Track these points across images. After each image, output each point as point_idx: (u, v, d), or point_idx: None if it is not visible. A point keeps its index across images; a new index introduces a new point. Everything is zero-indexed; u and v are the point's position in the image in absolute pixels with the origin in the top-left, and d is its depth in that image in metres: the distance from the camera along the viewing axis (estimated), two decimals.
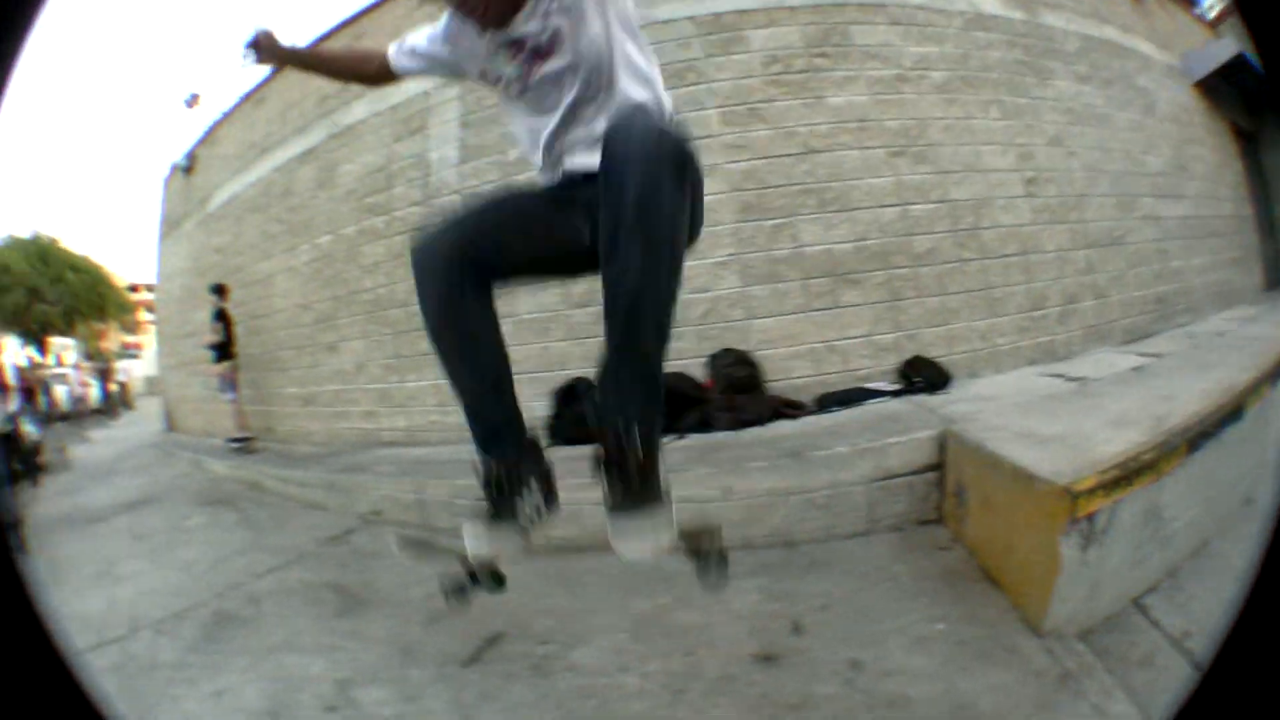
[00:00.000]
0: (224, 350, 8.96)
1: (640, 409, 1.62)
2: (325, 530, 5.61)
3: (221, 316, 8.75)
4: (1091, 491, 2.69)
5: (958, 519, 3.68)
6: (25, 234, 34.64)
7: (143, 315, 48.99)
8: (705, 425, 5.15)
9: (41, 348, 35.01)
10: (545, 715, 2.56)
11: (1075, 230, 6.29)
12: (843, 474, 3.92)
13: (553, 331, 6.32)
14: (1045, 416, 3.82)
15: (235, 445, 8.78)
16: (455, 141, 6.97)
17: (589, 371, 5.67)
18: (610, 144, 1.48)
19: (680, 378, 5.48)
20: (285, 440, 9.13)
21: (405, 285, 6.64)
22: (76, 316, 35.96)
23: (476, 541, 1.83)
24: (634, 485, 1.52)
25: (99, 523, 7.13)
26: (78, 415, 22.25)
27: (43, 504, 8.32)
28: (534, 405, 6.06)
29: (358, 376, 7.99)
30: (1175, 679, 2.32)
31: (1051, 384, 4.97)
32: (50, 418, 20.99)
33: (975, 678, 2.42)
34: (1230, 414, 3.34)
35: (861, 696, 2.38)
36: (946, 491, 3.89)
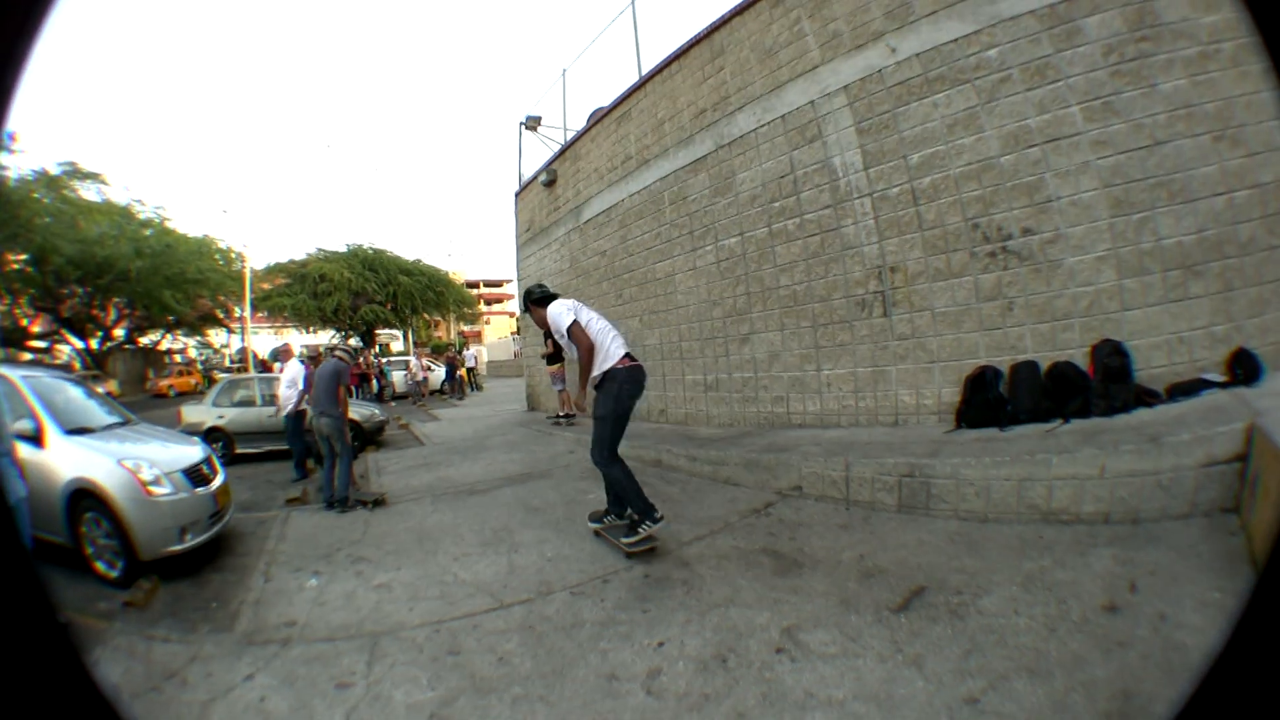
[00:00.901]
0: (553, 358, 14.68)
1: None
2: (745, 504, 7.37)
3: (548, 335, 12.52)
4: None
5: (1245, 506, 4.84)
6: (344, 248, 44.89)
7: (481, 307, 60.94)
8: (1084, 411, 6.65)
9: (368, 339, 45.07)
10: (958, 646, 3.91)
11: None
12: (1184, 459, 5.25)
13: (965, 324, 7.82)
14: None
15: (559, 420, 15.04)
16: (855, 147, 8.71)
17: (998, 360, 7.50)
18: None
19: (1069, 365, 6.95)
20: (681, 423, 11.75)
21: (823, 283, 9.00)
22: (409, 312, 46.13)
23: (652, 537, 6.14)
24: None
25: (480, 494, 8.99)
26: (418, 396, 29.27)
27: (399, 477, 10.61)
28: (944, 391, 7.95)
29: (771, 365, 10.05)
30: None
31: None
32: (383, 399, 27.97)
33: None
34: None
35: (1159, 640, 3.74)
36: (1245, 480, 4.95)
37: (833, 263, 9.13)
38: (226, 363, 46.41)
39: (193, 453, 7.49)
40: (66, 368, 30.81)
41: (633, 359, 6.22)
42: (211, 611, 5.60)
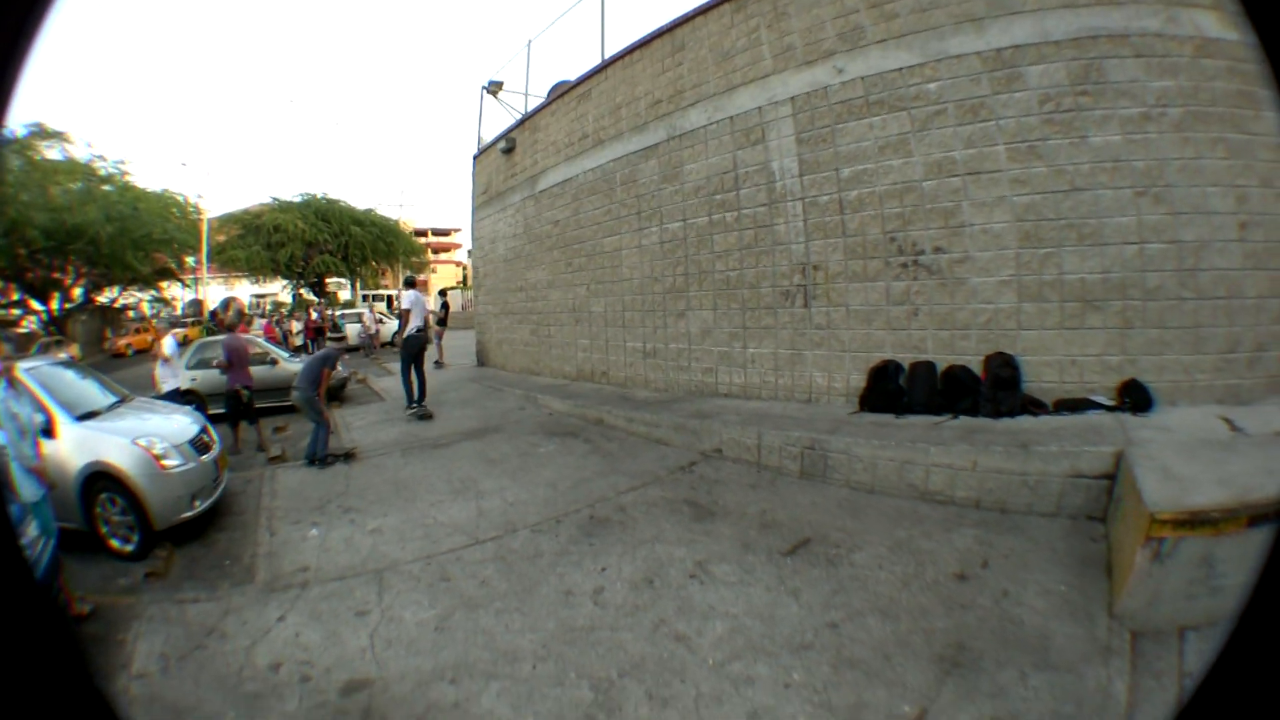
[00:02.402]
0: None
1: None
2: (673, 462, 8.24)
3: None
4: (1164, 522, 4.15)
5: (1110, 520, 5.40)
6: (297, 198, 43.51)
7: (429, 256, 60.11)
8: (972, 411, 7.29)
9: (319, 289, 44.40)
10: (828, 585, 4.97)
11: (1275, 278, 6.74)
12: (1050, 467, 5.91)
13: (875, 322, 8.43)
14: (1187, 458, 5.08)
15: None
16: (794, 155, 9.17)
17: (902, 356, 8.10)
18: None
19: (964, 370, 7.57)
20: (621, 385, 12.27)
21: (753, 272, 9.56)
22: (358, 262, 45.41)
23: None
24: None
25: (444, 448, 9.74)
26: (370, 349, 28.69)
27: (367, 432, 11.24)
28: (853, 378, 8.60)
29: (703, 339, 10.69)
30: (1163, 699, 3.43)
31: (1217, 428, 5.93)
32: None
33: (1059, 622, 4.23)
34: None
35: (998, 611, 4.44)
36: (1112, 497, 5.52)
37: (763, 255, 9.69)
38: (179, 314, 44.91)
39: (192, 422, 7.82)
40: (32, 337, 29.69)
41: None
42: (227, 569, 6.14)
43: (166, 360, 11.34)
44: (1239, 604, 1.09)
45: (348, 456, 9.51)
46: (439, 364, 19.96)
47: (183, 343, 11.86)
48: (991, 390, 7.30)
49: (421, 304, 12.68)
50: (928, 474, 6.52)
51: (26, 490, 4.85)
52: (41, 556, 4.72)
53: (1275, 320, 6.74)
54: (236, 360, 11.03)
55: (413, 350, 12.59)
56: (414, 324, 12.47)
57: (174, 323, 34.96)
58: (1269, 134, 6.79)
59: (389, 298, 40.52)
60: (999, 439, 6.42)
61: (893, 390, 8.02)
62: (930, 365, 7.89)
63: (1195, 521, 4.13)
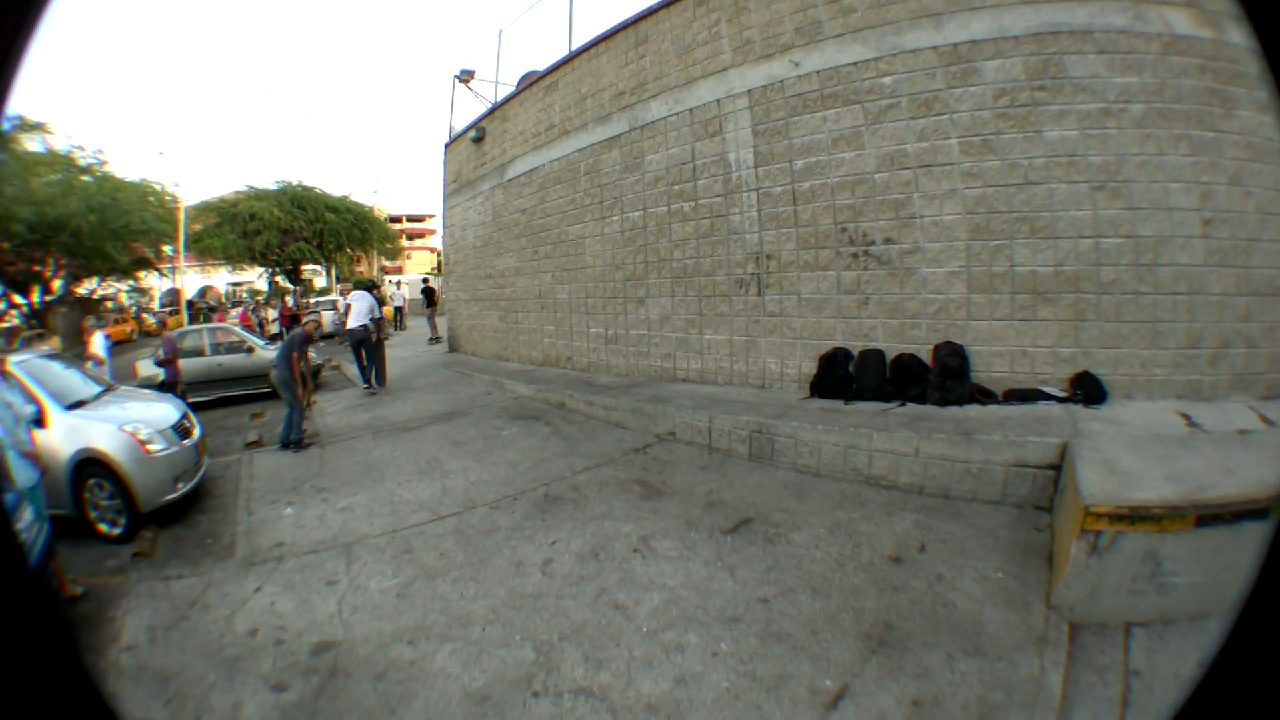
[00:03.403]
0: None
1: None
2: (629, 444, 8.32)
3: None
4: (1100, 516, 4.07)
5: (1054, 510, 5.31)
6: (273, 185, 42.45)
7: (403, 242, 59.37)
8: (921, 399, 7.27)
9: (294, 277, 43.72)
10: (764, 562, 5.04)
11: (1240, 275, 6.61)
12: (993, 455, 5.89)
13: (825, 310, 8.46)
14: (1136, 452, 4.99)
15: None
16: (750, 147, 9.18)
17: (852, 344, 8.12)
18: None
19: (912, 358, 7.59)
20: (585, 370, 12.26)
21: (709, 260, 9.57)
22: (333, 249, 44.67)
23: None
24: None
25: (413, 431, 9.96)
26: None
27: (340, 417, 11.43)
28: (804, 365, 8.63)
29: (662, 326, 10.73)
30: (1105, 695, 3.46)
31: (1173, 423, 5.84)
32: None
33: (994, 609, 4.22)
34: (1254, 511, 3.93)
35: (931, 594, 4.45)
36: (1057, 488, 5.40)
37: (719, 244, 9.69)
38: (156, 306, 44.08)
39: (173, 409, 8.02)
40: (14, 331, 29.08)
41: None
42: (209, 547, 6.40)
43: (99, 362, 11.24)
44: (1237, 603, 1.02)
45: (296, 444, 9.53)
46: (434, 339, 22.66)
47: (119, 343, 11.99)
48: (940, 379, 7.29)
49: (368, 304, 13.76)
50: (871, 459, 6.52)
51: (22, 477, 4.92)
52: (36, 541, 4.82)
53: (1241, 317, 6.65)
54: (170, 355, 11.86)
55: (355, 341, 13.76)
56: (354, 321, 13.63)
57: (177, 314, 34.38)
58: (1240, 132, 6.71)
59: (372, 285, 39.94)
60: (943, 426, 6.39)
61: (842, 377, 8.03)
62: (879, 353, 7.90)
63: (1135, 517, 4.06)
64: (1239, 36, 6.48)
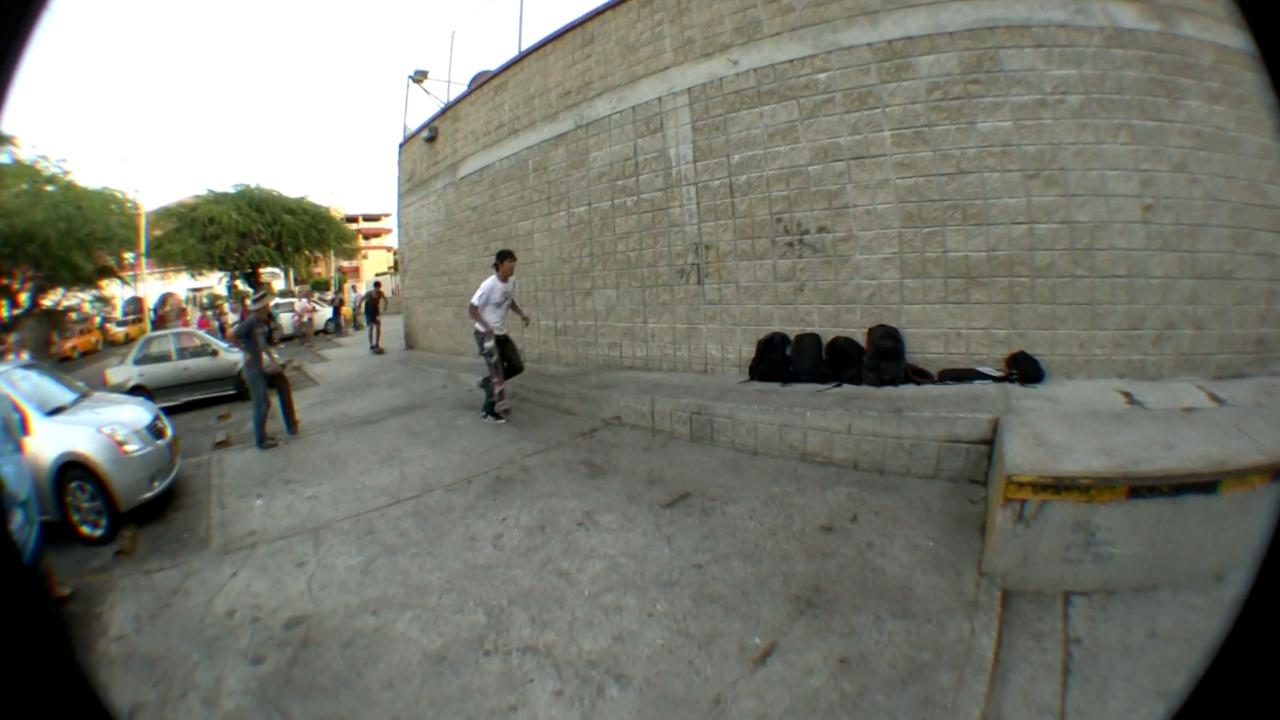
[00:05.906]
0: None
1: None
2: (577, 428, 8.38)
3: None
4: (1022, 485, 4.08)
5: (989, 483, 5.23)
6: (232, 188, 41.20)
7: (360, 242, 58.09)
8: (857, 380, 7.28)
9: (253, 280, 42.55)
10: (699, 532, 5.11)
11: (1185, 259, 6.56)
12: (924, 431, 5.87)
13: (763, 297, 8.49)
14: (1069, 427, 4.95)
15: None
16: (689, 143, 9.18)
17: (790, 329, 8.14)
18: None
19: (847, 341, 7.61)
20: (536, 361, 12.04)
21: (651, 252, 9.55)
22: (292, 251, 43.57)
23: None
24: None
25: (373, 424, 10.08)
26: (303, 337, 27.95)
27: (305, 414, 11.02)
28: (744, 349, 8.59)
29: (608, 316, 10.77)
30: (1043, 661, 3.44)
31: (1112, 401, 5.75)
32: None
33: (923, 574, 4.25)
34: (1198, 485, 3.91)
35: (860, 560, 4.47)
36: (990, 461, 5.33)
37: (660, 236, 9.66)
38: (119, 314, 42.61)
39: (146, 411, 8.04)
40: None
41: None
42: (186, 540, 6.50)
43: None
44: (1240, 594, 0.98)
45: (261, 442, 9.43)
46: (375, 349, 20.06)
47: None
48: (874, 360, 7.30)
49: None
50: (805, 436, 6.50)
51: (13, 483, 4.84)
52: (27, 543, 4.79)
53: (1187, 300, 6.61)
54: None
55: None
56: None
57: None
58: (1187, 121, 6.69)
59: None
60: (875, 405, 6.37)
61: (779, 360, 8.03)
62: (815, 337, 7.92)
63: (1059, 486, 4.03)
64: (1191, 29, 6.80)
